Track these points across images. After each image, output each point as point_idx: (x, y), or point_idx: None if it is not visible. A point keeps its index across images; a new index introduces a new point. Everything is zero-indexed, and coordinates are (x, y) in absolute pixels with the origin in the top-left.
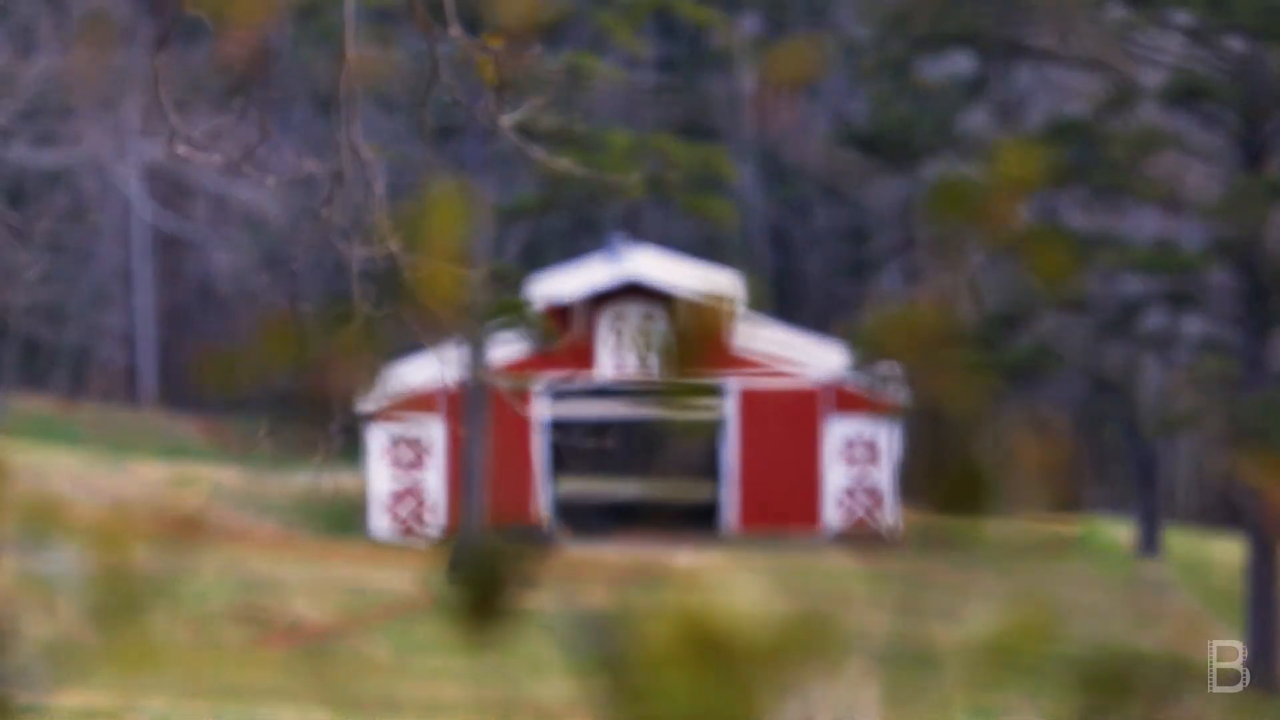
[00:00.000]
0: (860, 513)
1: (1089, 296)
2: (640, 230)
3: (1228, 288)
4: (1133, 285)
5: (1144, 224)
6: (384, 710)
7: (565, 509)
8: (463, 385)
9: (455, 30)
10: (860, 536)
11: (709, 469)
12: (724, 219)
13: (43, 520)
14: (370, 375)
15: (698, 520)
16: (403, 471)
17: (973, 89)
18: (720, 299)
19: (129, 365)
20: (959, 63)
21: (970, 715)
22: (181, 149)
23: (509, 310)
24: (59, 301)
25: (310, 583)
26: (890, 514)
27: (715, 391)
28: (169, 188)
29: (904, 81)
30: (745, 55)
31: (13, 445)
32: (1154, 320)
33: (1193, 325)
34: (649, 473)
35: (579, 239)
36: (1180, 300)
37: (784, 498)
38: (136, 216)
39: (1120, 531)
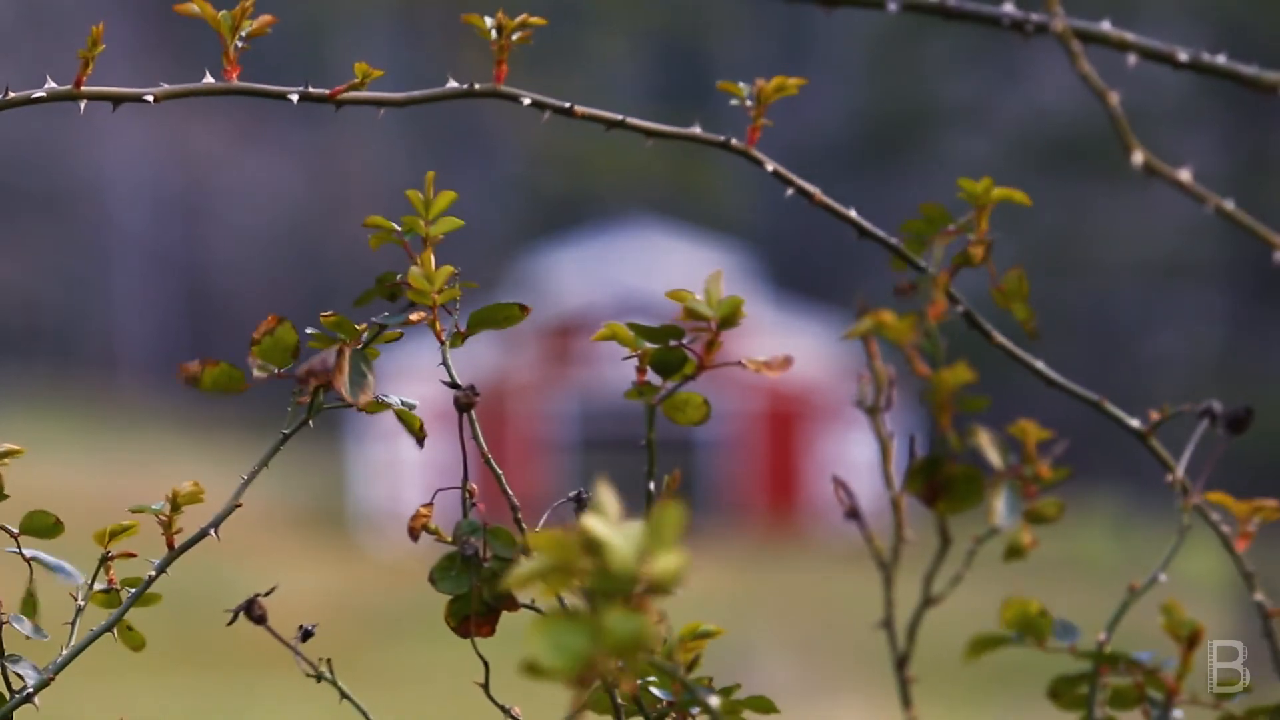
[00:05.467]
0: (859, 508)
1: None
2: (647, 207)
3: (1223, 263)
4: (1124, 256)
5: (1136, 201)
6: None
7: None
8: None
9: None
10: (856, 530)
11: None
12: (721, 209)
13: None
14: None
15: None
16: (398, 474)
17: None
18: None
19: (121, 347)
20: (961, 45)
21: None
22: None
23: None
24: (50, 281)
25: (305, 587)
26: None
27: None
28: (169, 170)
29: (906, 62)
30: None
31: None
32: (1146, 297)
33: (1187, 306)
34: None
35: (581, 222)
36: (1174, 275)
37: (782, 495)
38: (136, 200)
39: (1117, 525)
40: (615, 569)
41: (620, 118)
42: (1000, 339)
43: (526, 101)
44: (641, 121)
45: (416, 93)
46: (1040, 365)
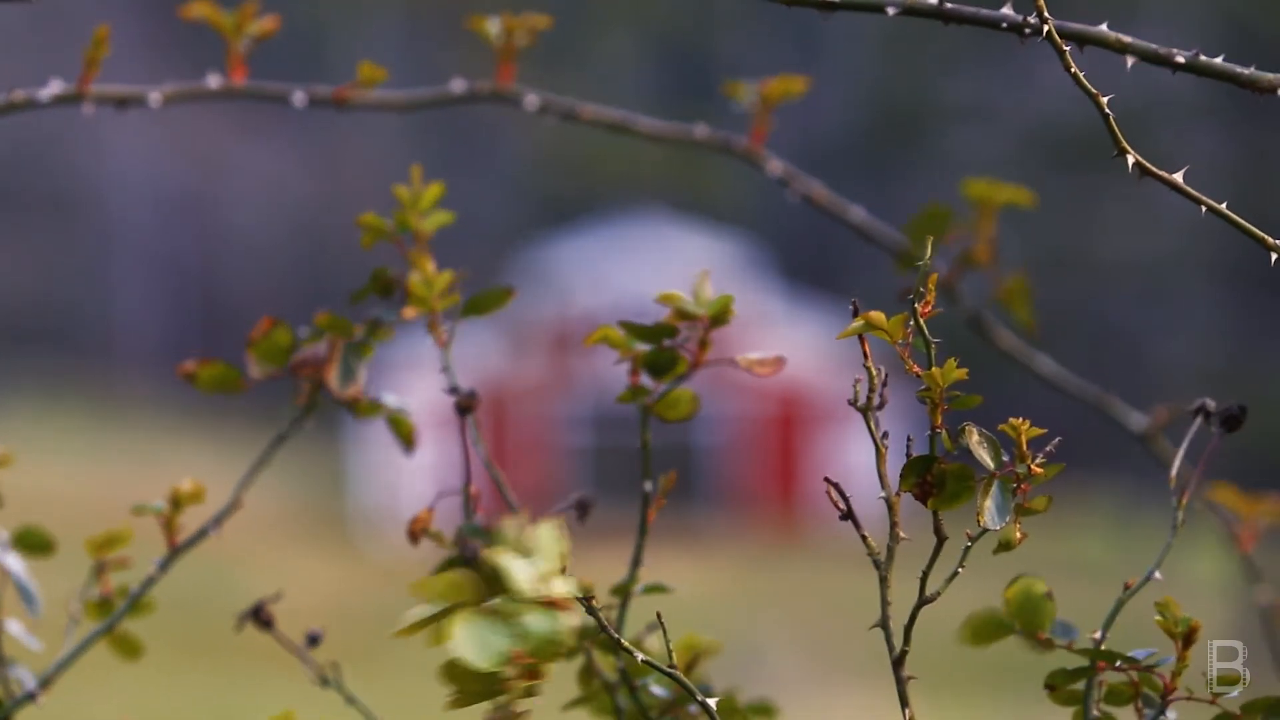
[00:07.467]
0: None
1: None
2: (655, 199)
3: (1229, 261)
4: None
5: (1131, 190)
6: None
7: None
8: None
9: None
10: (853, 529)
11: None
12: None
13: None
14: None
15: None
16: (398, 475)
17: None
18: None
19: (125, 345)
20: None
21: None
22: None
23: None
24: (50, 272)
25: (305, 587)
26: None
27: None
28: (172, 160)
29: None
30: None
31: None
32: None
33: (1186, 299)
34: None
35: (587, 216)
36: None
37: (791, 493)
38: (136, 187)
39: (1117, 524)
40: (519, 594)
41: (623, 122)
42: (1005, 343)
43: (532, 104)
44: (645, 123)
45: (420, 95)
46: (1045, 364)
